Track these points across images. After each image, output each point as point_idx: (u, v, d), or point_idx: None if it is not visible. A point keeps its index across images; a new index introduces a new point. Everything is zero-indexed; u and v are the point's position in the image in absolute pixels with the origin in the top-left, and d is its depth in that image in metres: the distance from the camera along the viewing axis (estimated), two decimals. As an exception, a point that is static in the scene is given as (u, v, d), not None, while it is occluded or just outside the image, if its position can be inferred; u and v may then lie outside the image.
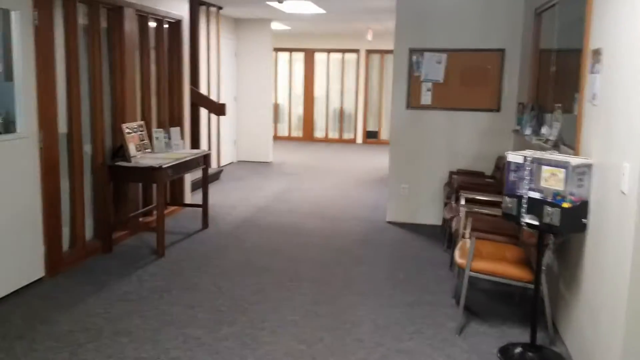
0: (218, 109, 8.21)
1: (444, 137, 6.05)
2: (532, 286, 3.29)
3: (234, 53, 9.93)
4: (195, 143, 8.39)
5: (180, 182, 6.49)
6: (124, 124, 5.10)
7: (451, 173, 5.91)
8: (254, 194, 7.50)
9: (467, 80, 5.94)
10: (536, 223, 3.02)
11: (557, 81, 4.34)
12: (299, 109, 13.94)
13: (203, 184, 5.80)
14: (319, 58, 13.71)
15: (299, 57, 13.75)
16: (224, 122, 9.51)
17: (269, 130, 10.26)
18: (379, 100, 13.43)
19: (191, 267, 4.60)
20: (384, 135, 13.17)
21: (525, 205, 3.07)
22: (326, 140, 13.77)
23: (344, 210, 6.71)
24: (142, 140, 5.37)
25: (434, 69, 5.96)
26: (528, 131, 4.57)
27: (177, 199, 6.50)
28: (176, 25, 6.25)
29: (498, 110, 5.92)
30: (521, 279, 3.38)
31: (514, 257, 3.61)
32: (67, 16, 4.46)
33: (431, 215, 6.16)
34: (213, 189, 7.68)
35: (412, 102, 6.04)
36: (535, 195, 3.02)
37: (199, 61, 8.29)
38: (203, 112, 8.41)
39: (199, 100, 8.21)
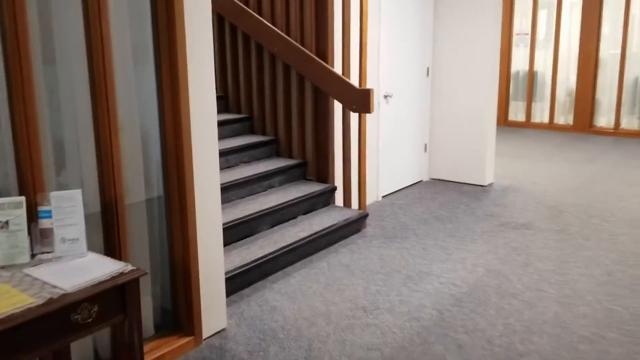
0: (356, 101, 4.16)
1: None
2: None
3: (427, -10, 5.62)
4: (322, 167, 4.54)
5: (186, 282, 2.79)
6: None
7: None
8: (396, 292, 3.35)
9: None
10: None
11: None
12: (570, 79, 8.75)
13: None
14: (613, -7, 8.24)
15: (576, -6, 8.49)
16: (400, 114, 5.40)
17: (489, 128, 5.73)
18: None
19: None
20: None
21: None
22: (615, 133, 8.35)
23: None
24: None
25: None
26: None
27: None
28: None
29: None
30: None
31: None
32: None
33: None
34: (327, 256, 3.76)
35: None
36: None
37: (328, 12, 4.30)
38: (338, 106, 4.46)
39: (330, 86, 4.29)
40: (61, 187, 2.35)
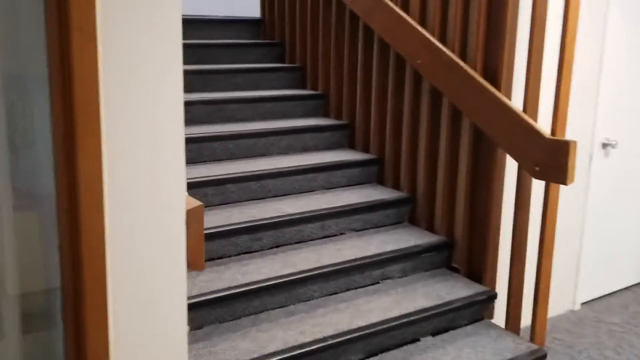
0: (543, 160, 2.34)
1: None
2: None
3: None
4: (477, 256, 2.83)
5: None
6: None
7: None
8: None
9: None
10: None
11: None
12: None
13: None
14: None
15: None
16: (628, 172, 3.35)
17: None
18: None
19: None
20: None
21: None
22: None
23: None
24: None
25: None
26: None
27: None
28: None
29: None
30: None
31: None
32: None
33: None
34: None
35: None
36: None
37: (509, 6, 2.53)
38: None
39: (500, 128, 2.54)
40: None
